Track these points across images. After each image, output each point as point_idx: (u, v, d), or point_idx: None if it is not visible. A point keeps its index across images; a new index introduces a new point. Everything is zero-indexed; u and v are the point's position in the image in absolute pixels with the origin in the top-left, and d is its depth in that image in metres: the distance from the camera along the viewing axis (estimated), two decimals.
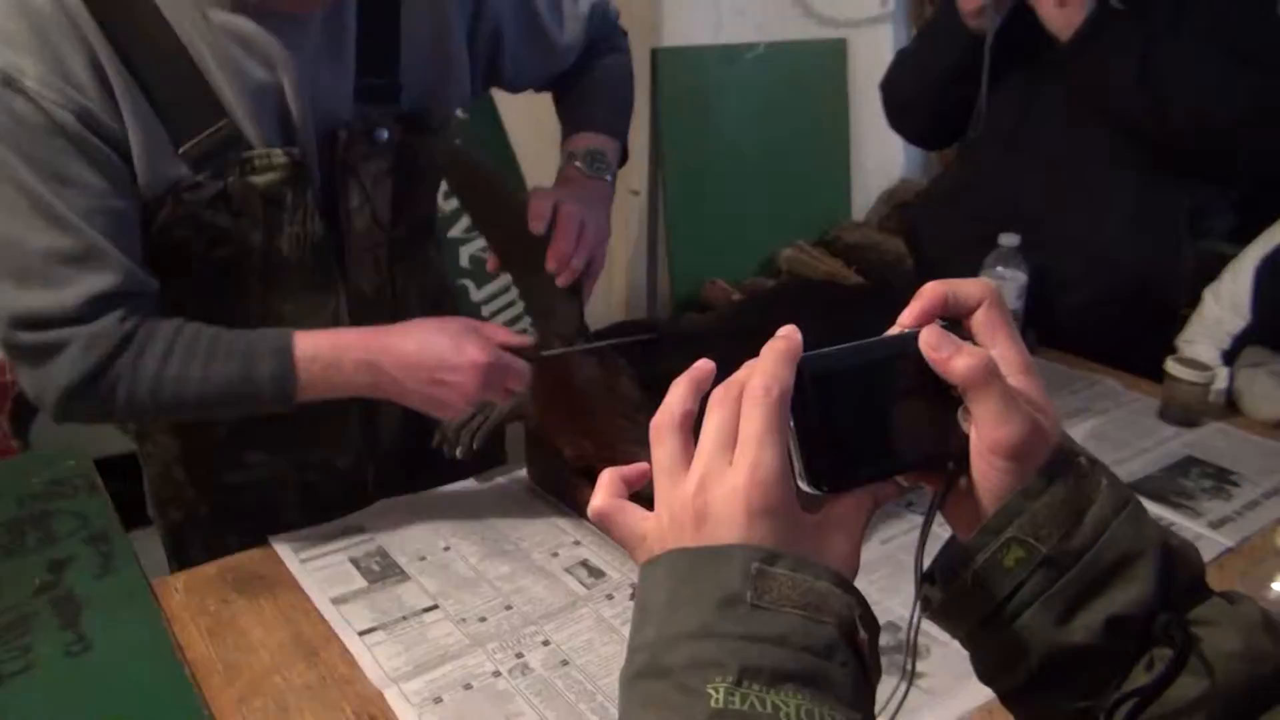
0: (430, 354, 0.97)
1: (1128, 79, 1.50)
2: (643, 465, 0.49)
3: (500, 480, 1.26)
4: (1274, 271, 1.57)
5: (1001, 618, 0.44)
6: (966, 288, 0.47)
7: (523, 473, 1.26)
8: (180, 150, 0.95)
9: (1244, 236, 1.80)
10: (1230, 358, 1.59)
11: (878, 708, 0.43)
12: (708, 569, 0.41)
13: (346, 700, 0.87)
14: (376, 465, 1.25)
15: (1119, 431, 1.39)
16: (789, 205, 2.96)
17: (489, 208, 1.11)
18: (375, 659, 0.92)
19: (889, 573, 1.05)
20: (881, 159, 3.14)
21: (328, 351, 0.99)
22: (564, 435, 1.13)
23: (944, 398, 0.46)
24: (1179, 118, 1.49)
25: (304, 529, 1.13)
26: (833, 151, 3.06)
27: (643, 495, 0.49)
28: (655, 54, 2.63)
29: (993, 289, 0.48)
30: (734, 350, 0.49)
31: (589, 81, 1.30)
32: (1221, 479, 1.27)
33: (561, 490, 1.19)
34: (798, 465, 0.45)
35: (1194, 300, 1.79)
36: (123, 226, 0.95)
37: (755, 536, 0.42)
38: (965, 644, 0.48)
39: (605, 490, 0.50)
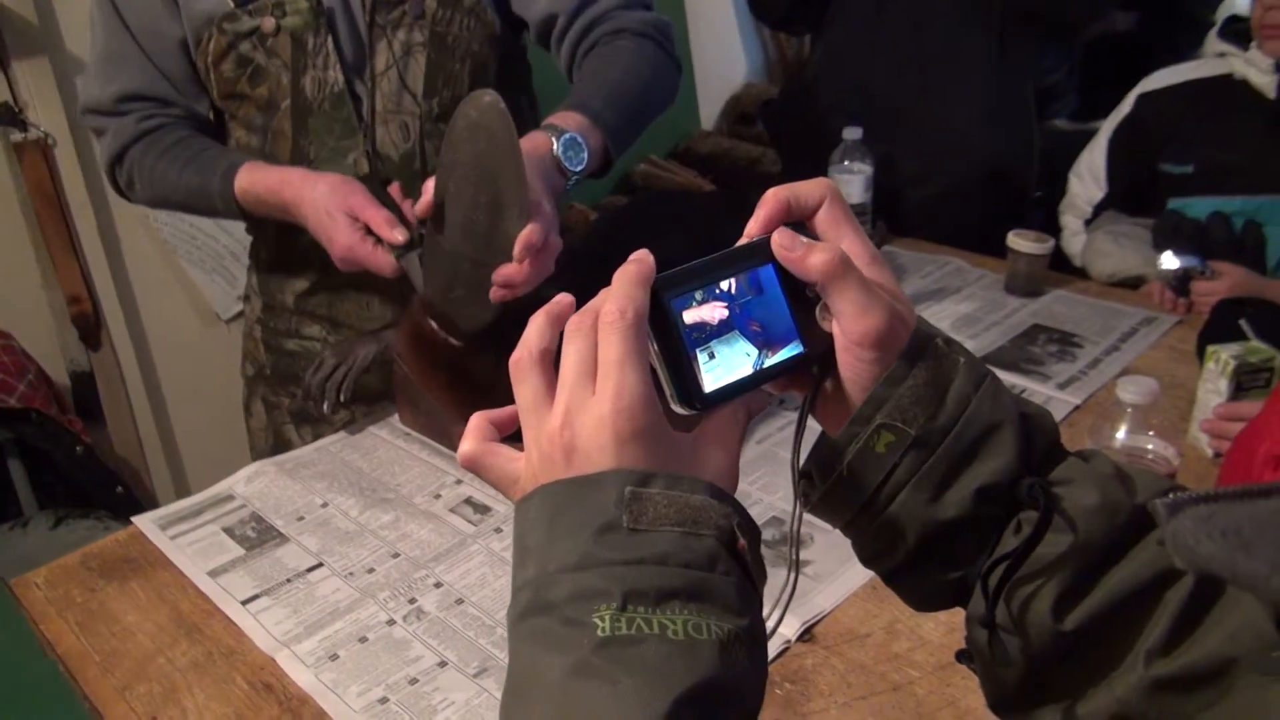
0: (314, 212, 1.10)
1: None
2: (511, 409, 0.48)
3: (371, 428, 1.22)
4: (1123, 142, 1.67)
5: (877, 504, 0.45)
6: (806, 189, 0.47)
7: (394, 418, 1.23)
8: None
9: (1085, 115, 1.89)
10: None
11: (769, 599, 0.44)
12: (581, 499, 0.40)
13: (237, 671, 0.85)
14: None
15: (970, 308, 1.45)
16: None
17: (479, 176, 0.94)
18: (262, 625, 0.89)
19: (768, 470, 1.08)
20: (723, 66, 3.13)
21: (256, 181, 1.16)
22: (458, 413, 1.09)
23: (801, 301, 0.47)
24: None
25: (167, 505, 1.08)
26: None
27: (517, 438, 0.48)
28: None
29: (831, 186, 0.48)
30: (596, 273, 0.48)
31: (604, 64, 1.19)
32: (1066, 342, 1.34)
33: (436, 430, 1.17)
34: (667, 386, 0.44)
35: (1045, 182, 1.88)
36: (163, 45, 1.19)
37: (627, 462, 0.41)
38: (846, 532, 0.49)
39: (474, 435, 0.48)
